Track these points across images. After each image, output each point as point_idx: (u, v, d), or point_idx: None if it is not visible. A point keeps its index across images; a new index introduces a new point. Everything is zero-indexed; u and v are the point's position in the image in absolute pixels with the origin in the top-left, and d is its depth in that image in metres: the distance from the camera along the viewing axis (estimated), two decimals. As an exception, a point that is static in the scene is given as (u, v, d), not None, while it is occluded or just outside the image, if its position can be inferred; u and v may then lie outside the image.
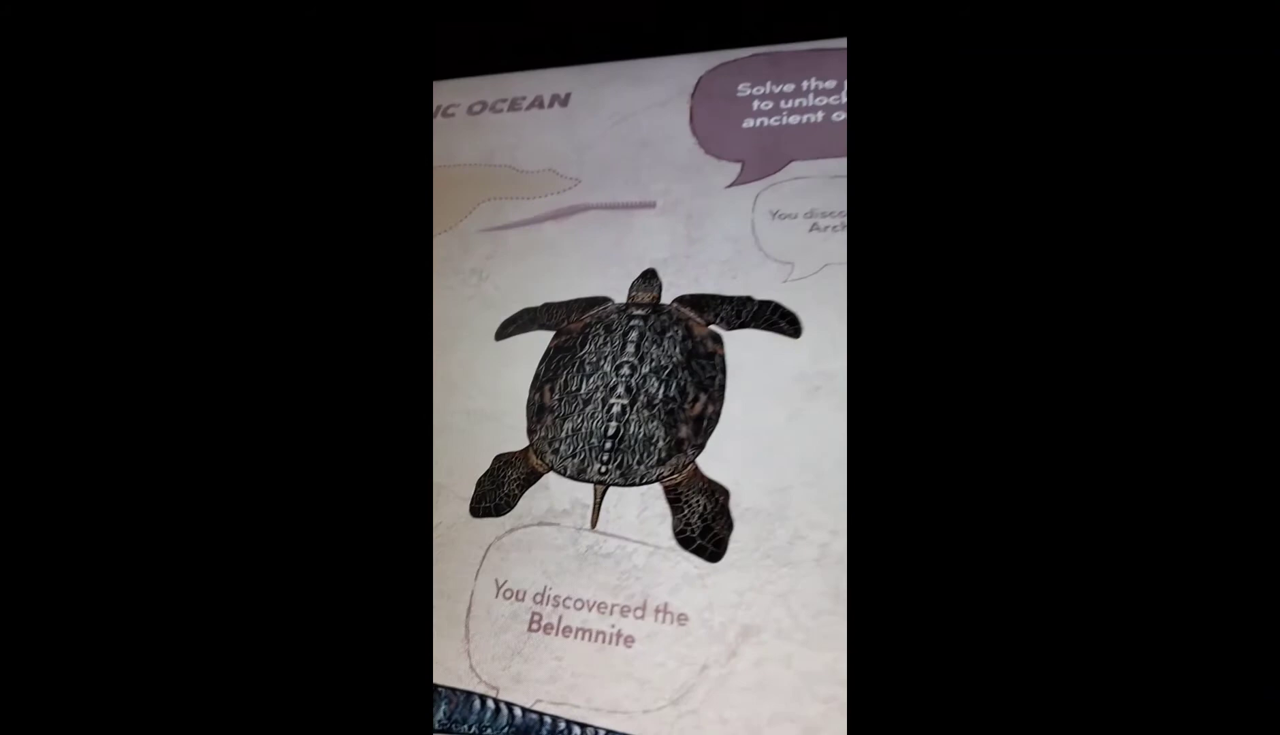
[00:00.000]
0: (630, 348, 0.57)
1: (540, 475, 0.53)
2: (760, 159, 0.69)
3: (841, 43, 0.75)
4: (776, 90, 0.74)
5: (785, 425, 0.51)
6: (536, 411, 0.56)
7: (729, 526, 0.48)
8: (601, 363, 0.57)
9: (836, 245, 0.60)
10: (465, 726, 0.44)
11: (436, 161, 0.78)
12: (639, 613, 0.46)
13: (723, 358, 0.56)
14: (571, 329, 0.60)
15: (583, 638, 0.45)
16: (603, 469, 0.52)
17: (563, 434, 0.54)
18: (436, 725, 0.44)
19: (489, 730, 0.43)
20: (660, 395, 0.54)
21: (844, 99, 0.71)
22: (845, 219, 0.61)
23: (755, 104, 0.74)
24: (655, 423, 0.53)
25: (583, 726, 0.42)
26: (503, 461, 0.54)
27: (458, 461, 0.55)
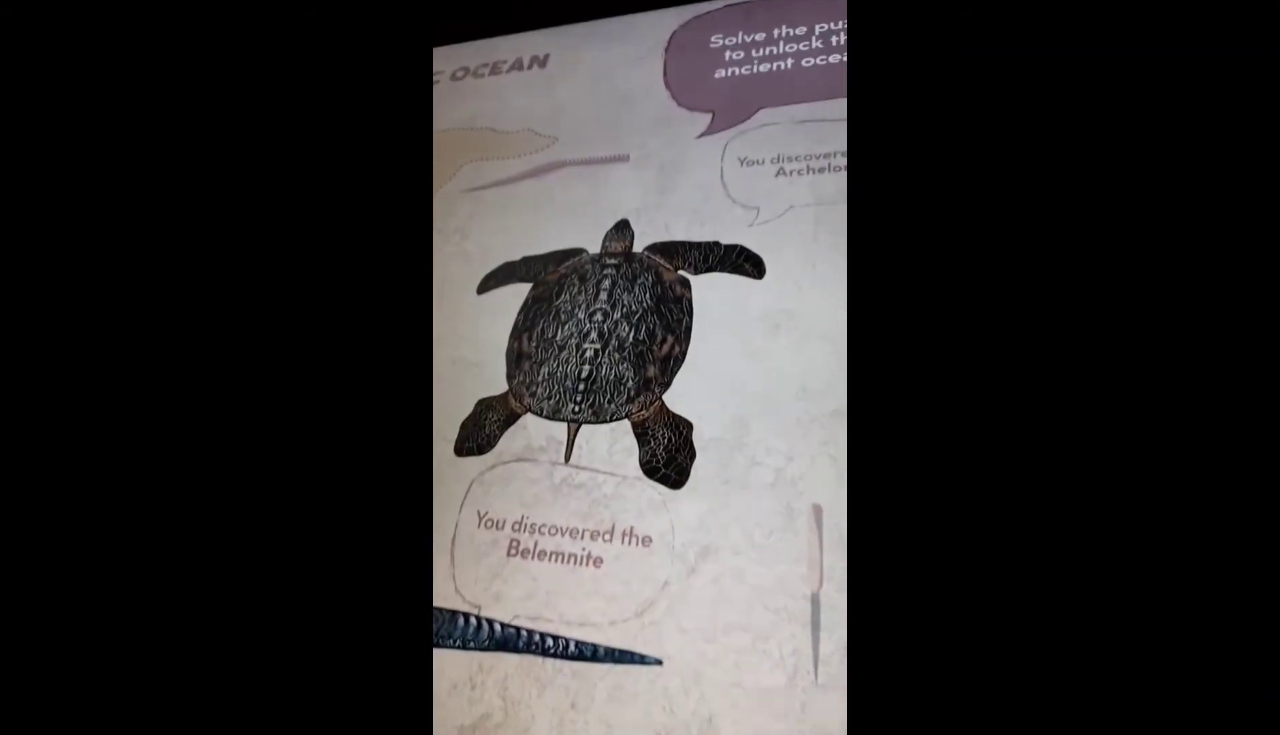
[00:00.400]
0: (603, 296, 0.60)
1: (519, 416, 0.56)
2: (730, 108, 0.70)
3: (811, -13, 0.75)
4: (748, 40, 0.75)
5: (747, 362, 0.54)
6: (515, 359, 0.60)
7: (691, 456, 0.51)
8: (576, 311, 0.60)
9: (802, 189, 0.61)
10: (450, 641, 0.48)
11: (421, 127, 0.80)
12: (607, 536, 0.49)
13: (689, 301, 0.58)
14: (548, 280, 0.63)
15: (556, 560, 0.49)
16: (576, 409, 0.55)
17: (539, 378, 0.57)
18: (425, 641, 0.48)
19: (471, 643, 0.47)
20: (630, 338, 0.57)
21: (814, 44, 0.71)
22: (810, 163, 0.63)
23: (727, 55, 0.74)
24: (625, 364, 0.56)
25: (555, 638, 0.46)
26: (484, 405, 0.58)
27: (443, 407, 0.58)
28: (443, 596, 0.50)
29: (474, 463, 0.55)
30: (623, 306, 0.59)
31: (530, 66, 0.81)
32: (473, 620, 0.48)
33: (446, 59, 0.86)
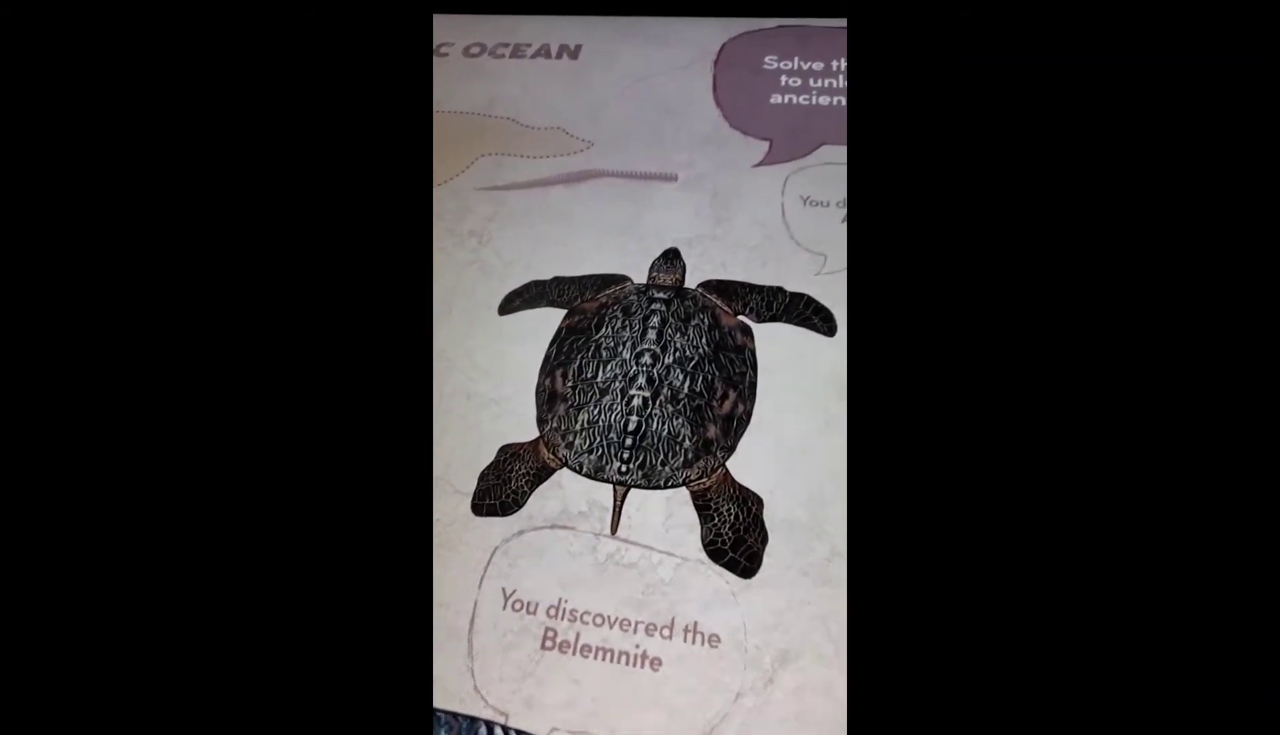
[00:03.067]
0: (652, 334, 0.52)
1: (552, 471, 0.48)
2: (789, 139, 0.64)
3: (877, 23, 0.71)
4: (805, 67, 0.69)
5: (820, 430, 0.48)
6: (547, 399, 0.51)
7: (763, 539, 0.44)
8: (620, 349, 0.52)
9: (872, 240, 0.57)
10: (464, 754, 0.39)
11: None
12: (666, 632, 0.42)
13: (753, 352, 0.52)
14: (586, 308, 0.55)
15: (603, 658, 0.41)
16: (623, 468, 0.47)
17: (578, 426, 0.49)
18: (434, 753, 0.39)
19: (496, 761, 0.38)
20: (685, 389, 0.50)
21: (877, 84, 0.67)
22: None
23: (783, 80, 0.69)
24: (680, 419, 0.49)
25: (605, 759, 0.38)
26: (509, 453, 0.48)
27: (457, 451, 0.48)
28: (458, 698, 0.40)
29: (497, 525, 0.46)
30: (675, 350, 0.52)
31: (559, 56, 0.72)
32: (499, 731, 0.39)
33: (457, 29, 0.75)
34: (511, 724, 0.39)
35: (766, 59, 0.70)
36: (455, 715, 0.39)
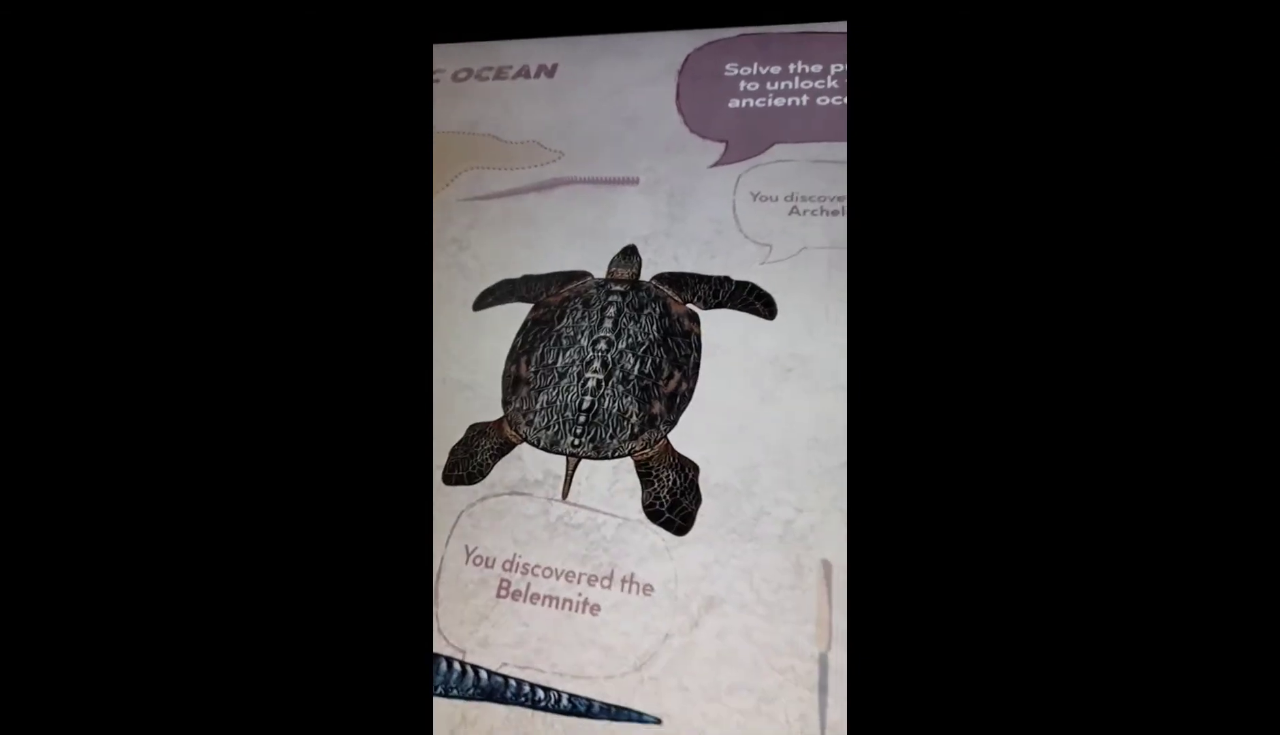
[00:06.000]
0: (608, 323, 0.58)
1: (514, 446, 0.54)
2: (744, 140, 0.69)
3: (830, 26, 0.75)
4: (764, 71, 0.74)
5: (757, 406, 0.52)
6: (512, 383, 0.57)
7: (697, 501, 0.49)
8: (579, 337, 0.57)
9: (816, 229, 0.61)
10: (431, 688, 0.44)
11: (419, 127, 0.76)
12: (606, 582, 0.47)
13: (699, 336, 0.57)
14: (550, 302, 0.60)
15: (550, 605, 0.46)
16: (576, 442, 0.53)
17: (537, 406, 0.55)
18: (403, 686, 0.45)
19: (455, 691, 0.44)
20: (636, 371, 0.55)
21: (830, 83, 0.71)
22: (824, 204, 0.62)
23: (742, 85, 0.73)
24: (630, 398, 0.54)
25: (546, 690, 0.43)
26: (477, 431, 0.55)
27: (433, 430, 0.55)
28: (425, 637, 0.46)
29: (463, 493, 0.52)
30: (628, 336, 0.57)
31: (538, 75, 0.79)
32: (456, 666, 0.45)
33: (448, 57, 0.82)
34: (468, 659, 0.45)
35: (727, 66, 0.75)
36: (421, 653, 0.45)
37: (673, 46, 0.78)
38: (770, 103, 0.71)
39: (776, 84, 0.72)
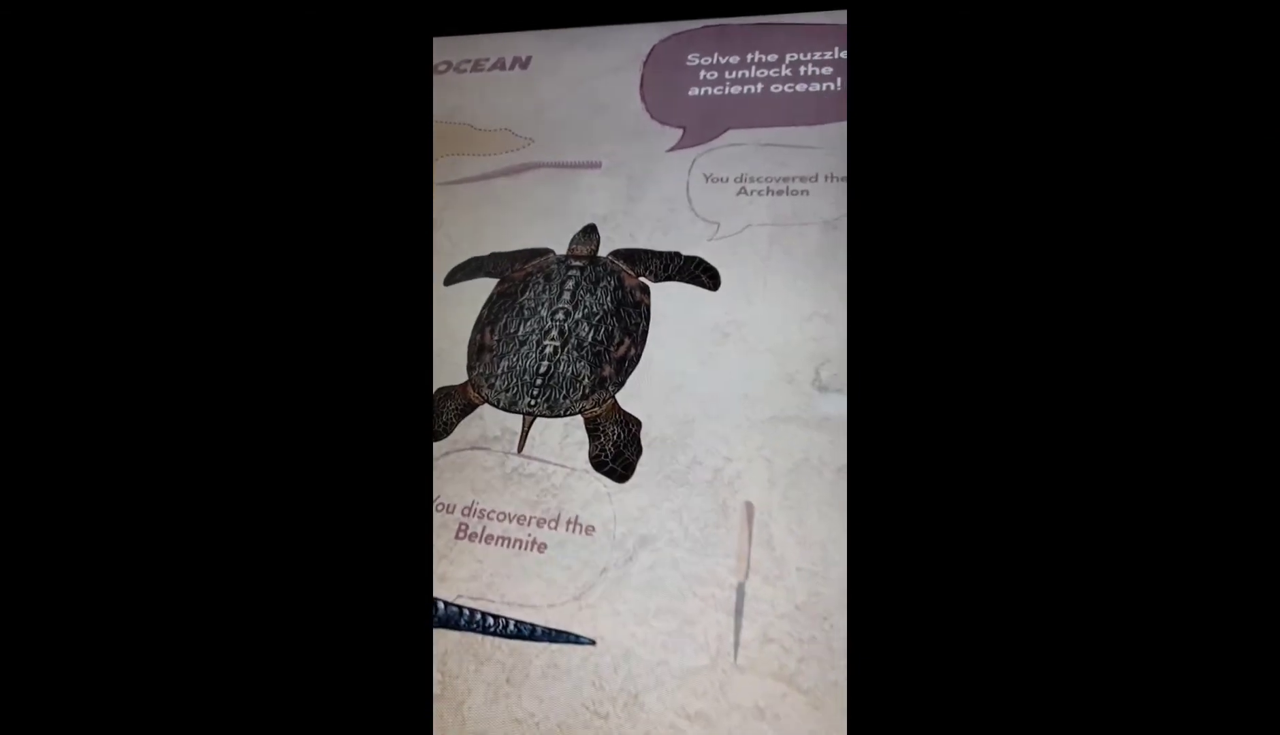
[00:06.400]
0: (566, 296, 0.62)
1: (476, 406, 0.59)
2: (700, 126, 0.73)
3: (784, 18, 0.79)
4: (723, 61, 0.78)
5: (696, 367, 0.57)
6: (477, 351, 0.62)
7: (638, 452, 0.54)
8: (539, 308, 0.62)
9: (760, 208, 0.65)
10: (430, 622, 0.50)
11: (400, 118, 0.82)
12: (553, 524, 0.52)
13: (648, 307, 0.61)
14: (514, 277, 0.65)
15: (502, 545, 0.52)
16: (532, 402, 0.58)
17: (499, 371, 0.60)
18: (371, 615, 0.50)
19: (416, 619, 0.49)
20: (589, 338, 0.60)
21: (784, 72, 0.75)
22: (770, 184, 0.66)
23: (702, 74, 0.78)
24: (583, 362, 0.59)
25: (495, 617, 0.49)
26: (443, 394, 0.60)
27: (402, 392, 0.60)
28: (391, 573, 0.52)
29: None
30: (584, 307, 0.62)
31: (513, 67, 0.84)
32: (418, 597, 0.50)
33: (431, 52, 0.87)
34: (428, 592, 0.50)
35: (689, 56, 0.79)
36: (386, 586, 0.51)
37: (640, 38, 0.83)
38: (727, 91, 0.75)
39: (735, 72, 0.77)
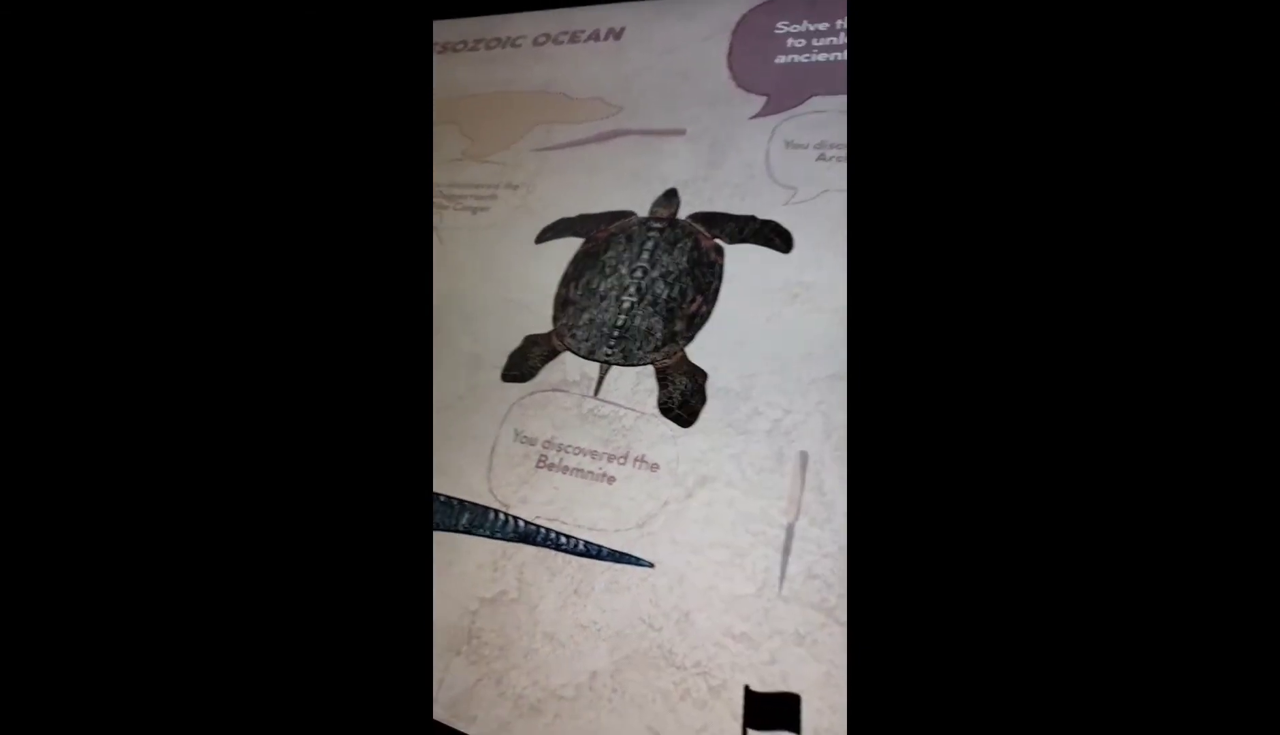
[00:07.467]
0: (645, 255, 0.67)
1: (559, 353, 0.64)
2: (785, 93, 0.75)
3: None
4: (811, 29, 0.79)
5: (762, 325, 0.60)
6: (562, 304, 0.68)
7: (702, 401, 0.58)
8: (620, 266, 0.67)
9: (837, 174, 0.66)
10: (481, 530, 0.57)
11: (502, 87, 0.88)
12: (622, 460, 0.57)
13: (721, 267, 0.65)
14: (598, 237, 0.70)
15: (576, 475, 0.57)
16: (609, 352, 0.63)
17: (580, 323, 0.65)
18: (460, 528, 0.58)
19: (498, 534, 0.56)
20: (665, 296, 0.64)
21: (873, 37, 0.75)
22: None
23: (789, 41, 0.79)
24: (656, 318, 0.63)
25: (567, 536, 0.55)
26: (530, 341, 0.66)
27: (494, 338, 0.67)
28: (479, 494, 0.59)
29: (515, 389, 0.64)
30: (661, 266, 0.66)
31: (606, 38, 0.88)
32: (501, 516, 0.57)
33: (530, 24, 0.93)
34: (510, 511, 0.57)
35: (778, 24, 0.80)
36: (475, 504, 0.58)
37: (730, 7, 0.85)
38: (814, 58, 0.76)
39: (822, 40, 0.77)
